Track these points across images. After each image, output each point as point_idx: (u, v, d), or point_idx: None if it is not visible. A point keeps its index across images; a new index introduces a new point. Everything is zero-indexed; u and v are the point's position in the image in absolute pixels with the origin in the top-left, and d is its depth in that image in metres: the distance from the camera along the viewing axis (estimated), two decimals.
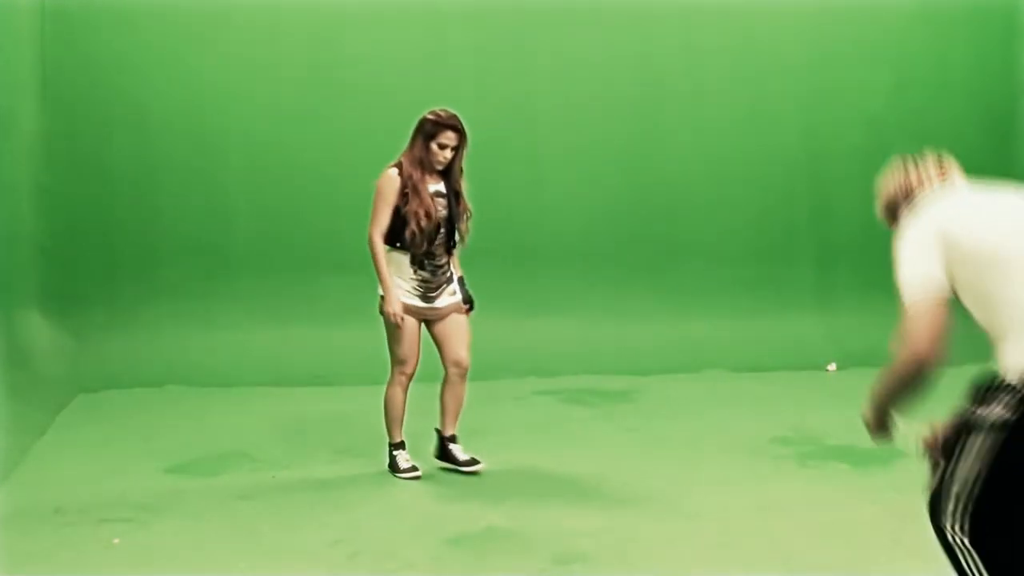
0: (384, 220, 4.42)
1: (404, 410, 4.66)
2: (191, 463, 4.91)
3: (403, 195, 4.40)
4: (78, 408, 6.38)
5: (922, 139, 8.48)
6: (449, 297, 4.61)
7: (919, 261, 2.49)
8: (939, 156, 2.72)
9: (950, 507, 2.39)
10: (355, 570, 3.33)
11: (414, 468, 4.62)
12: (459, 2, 7.71)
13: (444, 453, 4.73)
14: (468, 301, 4.72)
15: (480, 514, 3.94)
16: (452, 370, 4.65)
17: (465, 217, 4.65)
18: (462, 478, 4.56)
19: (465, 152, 4.58)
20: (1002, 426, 2.26)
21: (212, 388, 6.93)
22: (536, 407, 6.42)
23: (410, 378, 4.59)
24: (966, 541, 2.35)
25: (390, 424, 4.67)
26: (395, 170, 4.45)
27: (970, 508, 2.34)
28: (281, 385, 7.06)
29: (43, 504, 4.14)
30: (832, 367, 7.73)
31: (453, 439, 4.73)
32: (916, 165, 2.69)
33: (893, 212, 2.71)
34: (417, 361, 4.57)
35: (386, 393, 4.65)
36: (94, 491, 4.36)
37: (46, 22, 7.13)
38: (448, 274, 4.64)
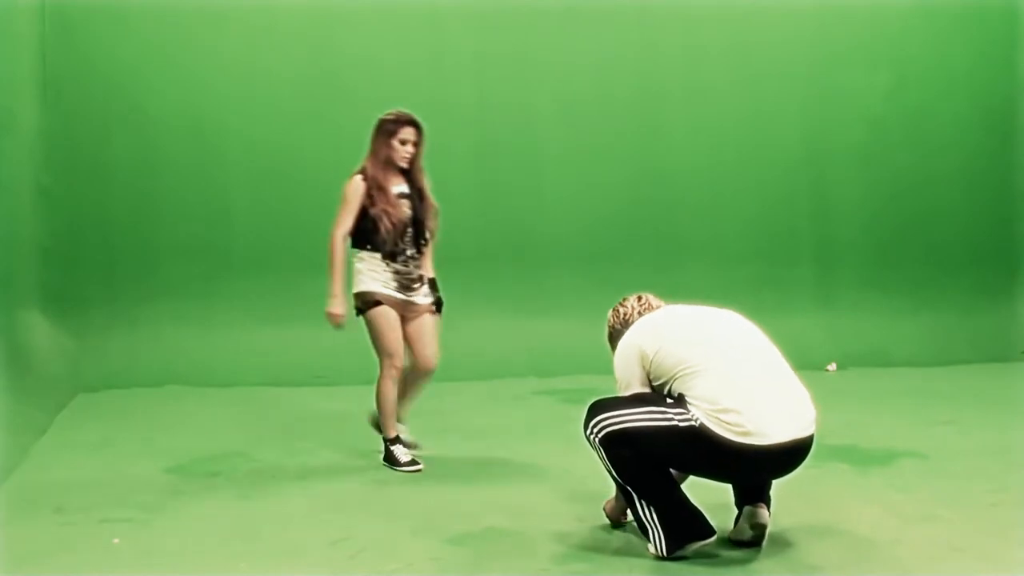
0: (348, 223, 4.60)
1: (397, 404, 4.73)
2: (191, 463, 4.90)
3: (369, 197, 4.57)
4: (78, 408, 6.39)
5: (922, 139, 8.58)
6: (424, 297, 4.72)
7: (624, 371, 3.48)
8: (639, 296, 3.78)
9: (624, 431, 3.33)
10: (355, 570, 3.33)
11: (414, 461, 4.66)
12: (459, 3, 7.71)
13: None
14: (438, 303, 4.81)
15: (480, 514, 3.94)
16: (421, 369, 4.78)
17: (432, 214, 4.75)
18: (462, 479, 4.56)
19: (423, 150, 4.72)
20: (685, 423, 3.26)
21: (212, 388, 6.94)
22: (536, 407, 6.42)
23: (400, 371, 4.65)
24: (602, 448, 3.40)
25: (385, 419, 4.71)
26: (360, 176, 4.63)
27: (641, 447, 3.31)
28: (281, 385, 7.06)
29: (43, 504, 4.14)
30: (832, 367, 7.73)
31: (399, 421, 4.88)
32: (624, 303, 3.76)
33: (614, 339, 3.68)
34: (403, 352, 4.65)
35: (378, 388, 4.67)
36: (94, 491, 4.35)
37: (46, 22, 7.14)
38: (420, 272, 4.72)
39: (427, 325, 4.73)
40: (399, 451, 4.69)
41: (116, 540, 3.65)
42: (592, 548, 3.52)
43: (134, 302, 7.30)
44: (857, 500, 4.09)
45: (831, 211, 8.32)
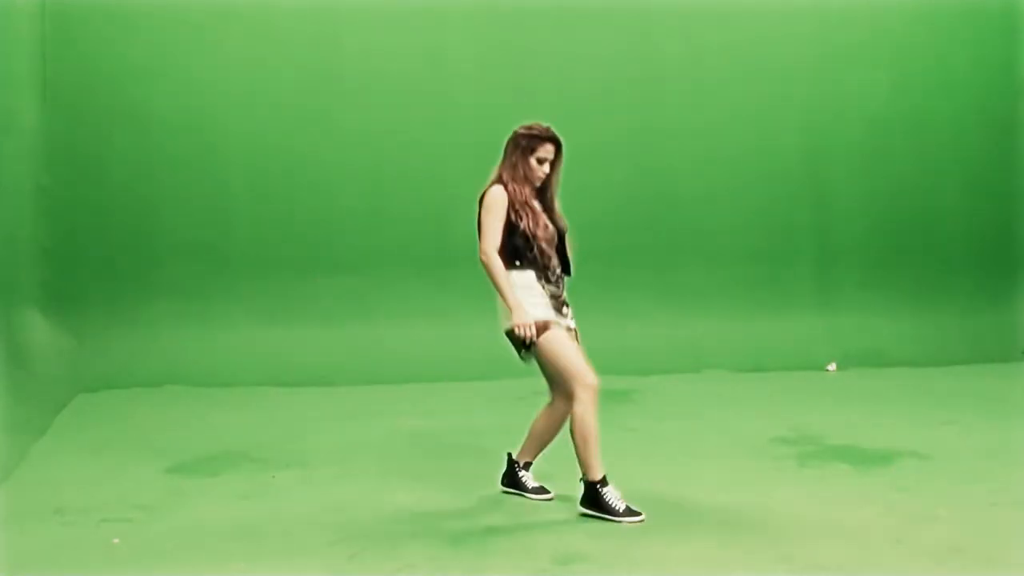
0: (497, 237, 4.07)
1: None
2: (191, 463, 4.91)
3: (514, 212, 4.08)
4: (78, 408, 6.39)
5: (922, 139, 8.58)
6: (572, 320, 4.24)
7: None
8: None
9: None
10: (355, 570, 3.33)
11: (635, 512, 3.84)
12: (459, 3, 7.70)
13: (514, 480, 4.28)
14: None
15: (480, 514, 3.94)
16: (564, 400, 4.14)
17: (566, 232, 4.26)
18: (461, 479, 4.56)
19: (560, 166, 4.23)
20: None
21: (212, 388, 6.94)
22: (536, 407, 6.39)
23: (597, 392, 3.96)
24: None
25: (591, 456, 3.87)
26: (500, 187, 4.14)
27: None
28: (281, 385, 7.06)
29: (43, 504, 4.14)
30: (832, 367, 7.73)
31: (527, 467, 4.32)
32: None
33: None
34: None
35: (577, 422, 3.90)
36: (94, 491, 4.36)
37: (46, 22, 7.13)
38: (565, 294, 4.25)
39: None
40: (613, 495, 3.88)
41: (116, 540, 3.65)
42: (592, 548, 3.52)
43: (134, 302, 7.30)
44: (857, 500, 4.09)
45: (831, 211, 8.32)
